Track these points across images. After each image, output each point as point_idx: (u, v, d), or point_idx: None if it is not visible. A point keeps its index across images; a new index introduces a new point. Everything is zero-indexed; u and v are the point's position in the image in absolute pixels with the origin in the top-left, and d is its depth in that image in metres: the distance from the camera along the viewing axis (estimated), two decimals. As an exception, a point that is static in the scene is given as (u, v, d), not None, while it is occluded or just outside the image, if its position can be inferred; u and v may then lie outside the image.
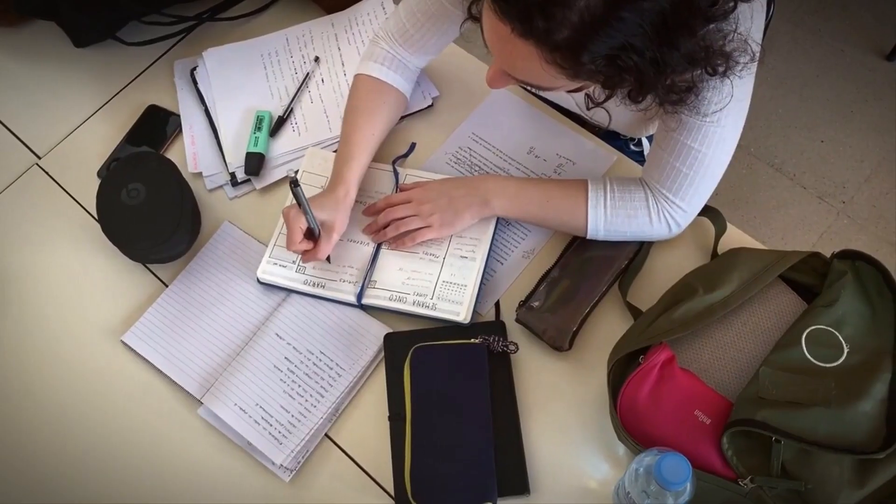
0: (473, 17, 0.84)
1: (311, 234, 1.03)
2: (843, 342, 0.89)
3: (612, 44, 0.70)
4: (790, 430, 0.83)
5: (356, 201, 1.10)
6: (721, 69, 0.79)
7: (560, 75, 0.75)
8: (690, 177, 0.96)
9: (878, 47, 2.31)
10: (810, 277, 0.97)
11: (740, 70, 0.81)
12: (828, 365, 0.88)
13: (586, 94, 1.00)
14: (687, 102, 0.83)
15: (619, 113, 1.06)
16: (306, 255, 1.03)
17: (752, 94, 0.94)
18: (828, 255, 0.97)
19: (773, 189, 2.12)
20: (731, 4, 0.74)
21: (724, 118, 0.91)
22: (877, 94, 2.24)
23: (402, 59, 1.12)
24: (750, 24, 0.83)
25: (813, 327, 0.90)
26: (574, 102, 1.12)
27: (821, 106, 2.24)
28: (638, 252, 1.05)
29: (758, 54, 0.82)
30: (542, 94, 1.14)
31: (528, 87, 0.93)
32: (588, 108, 1.01)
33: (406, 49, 1.11)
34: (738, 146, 0.97)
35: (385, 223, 1.07)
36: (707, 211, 1.04)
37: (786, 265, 0.95)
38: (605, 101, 0.90)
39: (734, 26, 0.78)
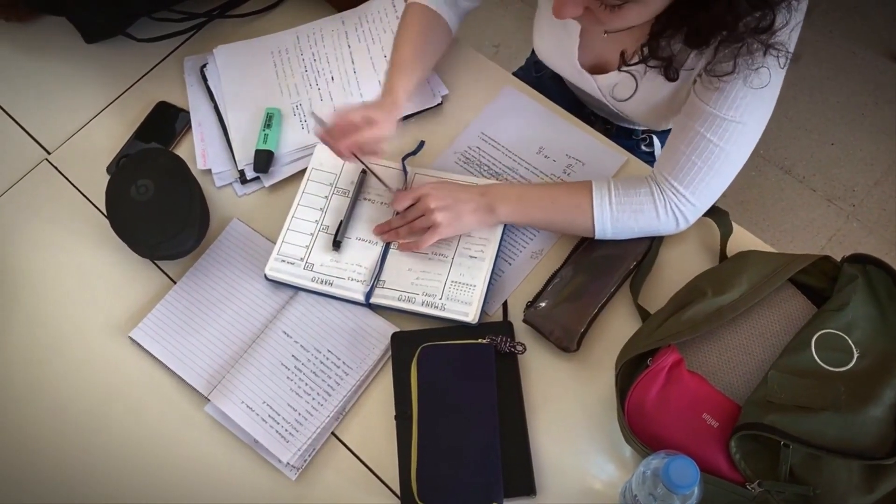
0: None
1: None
2: (853, 346, 0.89)
3: None
4: (799, 434, 0.83)
5: (364, 199, 1.10)
6: (771, 37, 0.82)
7: None
8: (704, 171, 0.96)
9: (889, 50, 2.30)
10: (820, 281, 0.97)
11: (776, 53, 0.84)
12: (837, 369, 0.88)
13: (622, 54, 1.00)
14: (738, 52, 0.85)
15: (642, 95, 1.06)
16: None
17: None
18: (837, 258, 0.97)
19: (783, 191, 2.11)
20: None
21: (747, 117, 0.91)
22: (888, 97, 2.23)
23: None
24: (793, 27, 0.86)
25: (823, 331, 0.90)
26: (597, 87, 1.12)
27: (831, 108, 2.23)
28: (647, 253, 1.04)
29: (786, 57, 0.86)
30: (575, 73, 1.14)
31: (592, 22, 0.90)
32: (620, 70, 1.01)
33: None
34: (748, 148, 0.97)
35: (399, 225, 1.07)
36: (713, 212, 1.04)
37: (796, 268, 0.94)
38: (639, 62, 0.90)
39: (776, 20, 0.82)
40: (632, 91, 1.08)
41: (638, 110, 1.13)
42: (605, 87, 1.12)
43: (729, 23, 0.81)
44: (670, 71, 0.92)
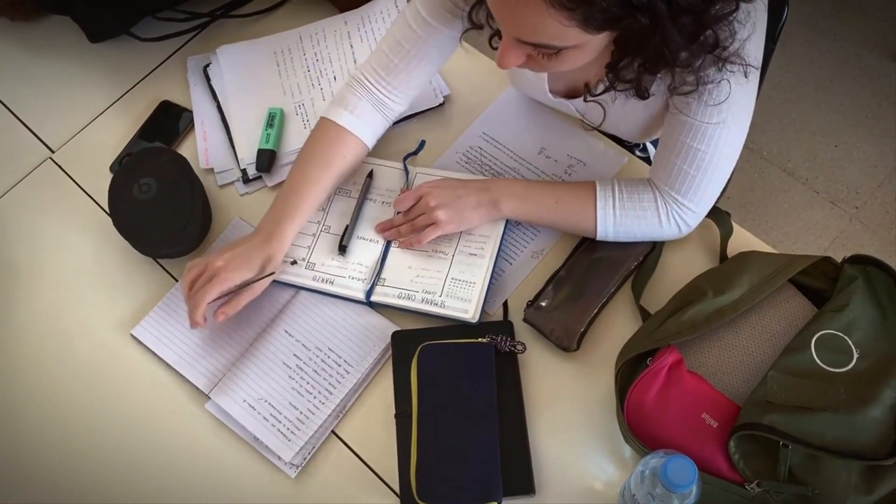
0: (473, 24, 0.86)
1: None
2: (853, 347, 0.89)
3: None
4: (798, 434, 0.83)
5: (366, 199, 1.11)
6: (722, 52, 0.81)
7: (571, 23, 0.73)
8: (698, 178, 0.96)
9: (893, 52, 2.30)
10: (821, 282, 0.97)
11: (735, 68, 0.83)
12: (837, 370, 0.88)
13: (585, 85, 0.99)
14: (696, 71, 0.83)
15: (622, 115, 1.06)
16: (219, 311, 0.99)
17: (766, 98, 0.94)
18: (839, 260, 0.97)
19: (786, 193, 2.11)
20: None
21: (728, 119, 0.91)
22: (892, 100, 2.23)
23: (381, 100, 1.06)
24: (747, 37, 0.84)
25: (823, 332, 0.90)
26: (574, 110, 1.11)
27: (835, 110, 2.23)
28: (648, 254, 1.05)
29: (749, 69, 0.85)
30: (546, 87, 1.12)
31: (537, 68, 0.89)
32: (585, 101, 1.01)
33: (389, 85, 1.05)
34: (751, 149, 0.97)
35: (400, 223, 1.07)
36: (713, 212, 1.04)
37: (796, 269, 0.94)
38: (605, 90, 0.90)
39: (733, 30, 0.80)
40: (601, 117, 1.08)
41: (618, 130, 1.12)
42: (580, 110, 1.11)
43: (669, 55, 0.80)
44: (640, 90, 0.91)
